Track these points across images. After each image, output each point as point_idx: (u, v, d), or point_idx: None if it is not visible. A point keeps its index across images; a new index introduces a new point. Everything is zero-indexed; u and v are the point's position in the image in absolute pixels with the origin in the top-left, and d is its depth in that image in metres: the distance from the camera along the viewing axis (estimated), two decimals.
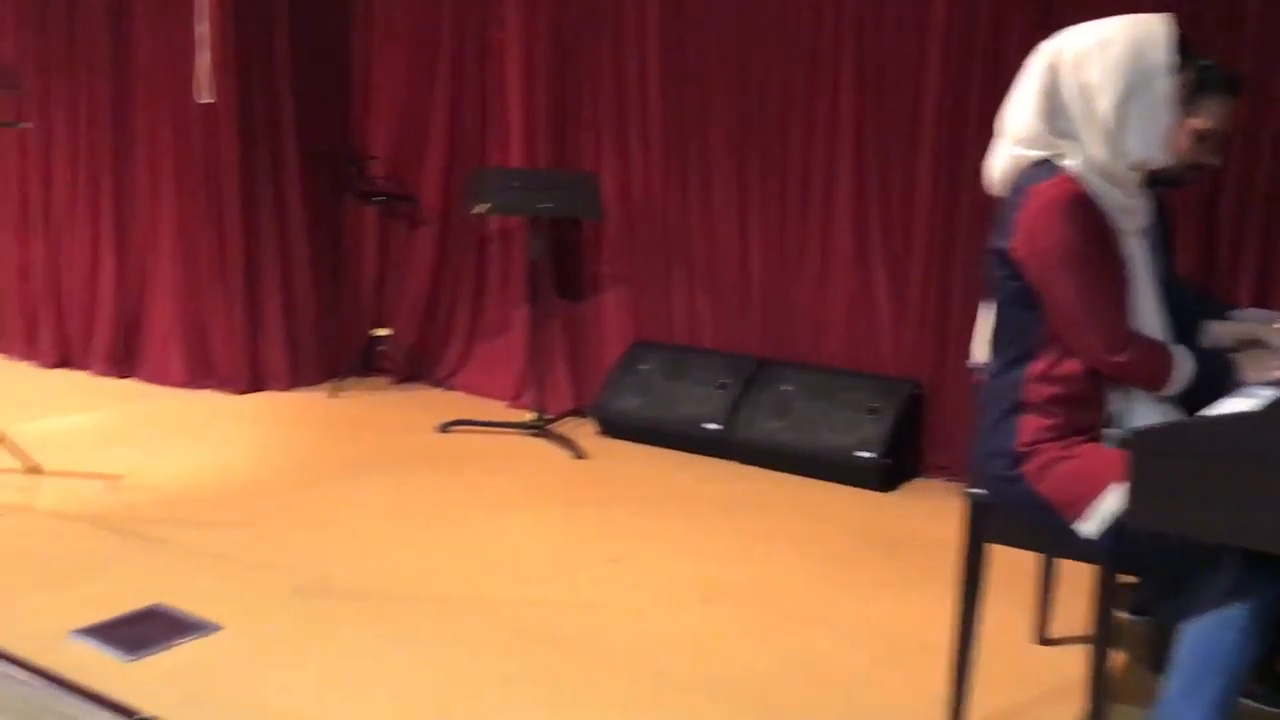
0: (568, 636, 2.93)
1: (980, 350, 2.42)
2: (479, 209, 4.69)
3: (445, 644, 2.85)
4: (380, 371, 5.62)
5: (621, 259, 5.02)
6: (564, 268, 5.14)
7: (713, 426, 4.51)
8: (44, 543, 3.45)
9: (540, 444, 4.65)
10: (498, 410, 5.12)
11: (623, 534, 3.70)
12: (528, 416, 4.82)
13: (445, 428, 4.81)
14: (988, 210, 2.41)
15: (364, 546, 3.52)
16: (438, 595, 3.16)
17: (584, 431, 4.79)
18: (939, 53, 4.12)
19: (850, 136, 4.35)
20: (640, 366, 4.82)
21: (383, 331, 5.54)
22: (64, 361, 5.67)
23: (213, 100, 5.03)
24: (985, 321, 2.37)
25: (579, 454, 4.52)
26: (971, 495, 2.33)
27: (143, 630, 2.85)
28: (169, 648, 2.77)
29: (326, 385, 5.40)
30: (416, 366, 5.58)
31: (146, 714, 2.46)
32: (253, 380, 5.31)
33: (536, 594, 3.20)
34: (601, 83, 4.93)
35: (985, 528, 2.34)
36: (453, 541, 3.60)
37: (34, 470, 4.00)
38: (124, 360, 5.51)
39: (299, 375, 5.42)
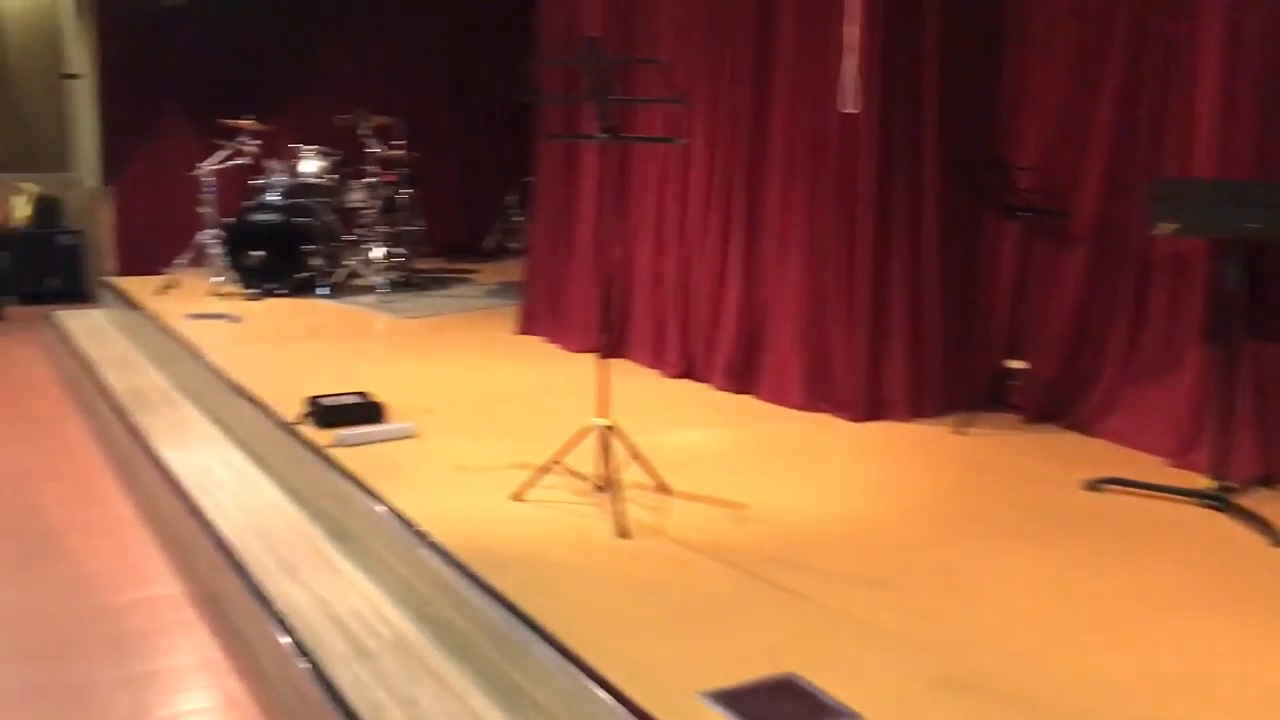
0: None
1: None
2: (1163, 229, 3.88)
3: None
4: (1010, 408, 4.99)
5: None
6: (1262, 299, 4.14)
7: None
8: (671, 574, 3.30)
9: (1220, 520, 3.75)
10: (1156, 468, 4.27)
11: None
12: (1202, 482, 3.94)
13: (1094, 485, 4.07)
14: None
15: (1018, 634, 2.94)
16: None
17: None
18: None
19: None
20: None
21: (1016, 363, 4.90)
22: (687, 373, 5.72)
23: (856, 110, 4.72)
24: None
25: (1278, 539, 3.56)
26: None
27: (777, 707, 2.52)
28: None
29: (950, 419, 4.88)
30: (1053, 405, 4.87)
31: None
32: (871, 408, 4.94)
33: None
34: None
35: None
36: (1127, 645, 2.89)
37: (662, 489, 3.93)
38: (743, 376, 5.41)
39: (920, 406, 4.97)
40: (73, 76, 10.31)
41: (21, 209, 10.11)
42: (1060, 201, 4.76)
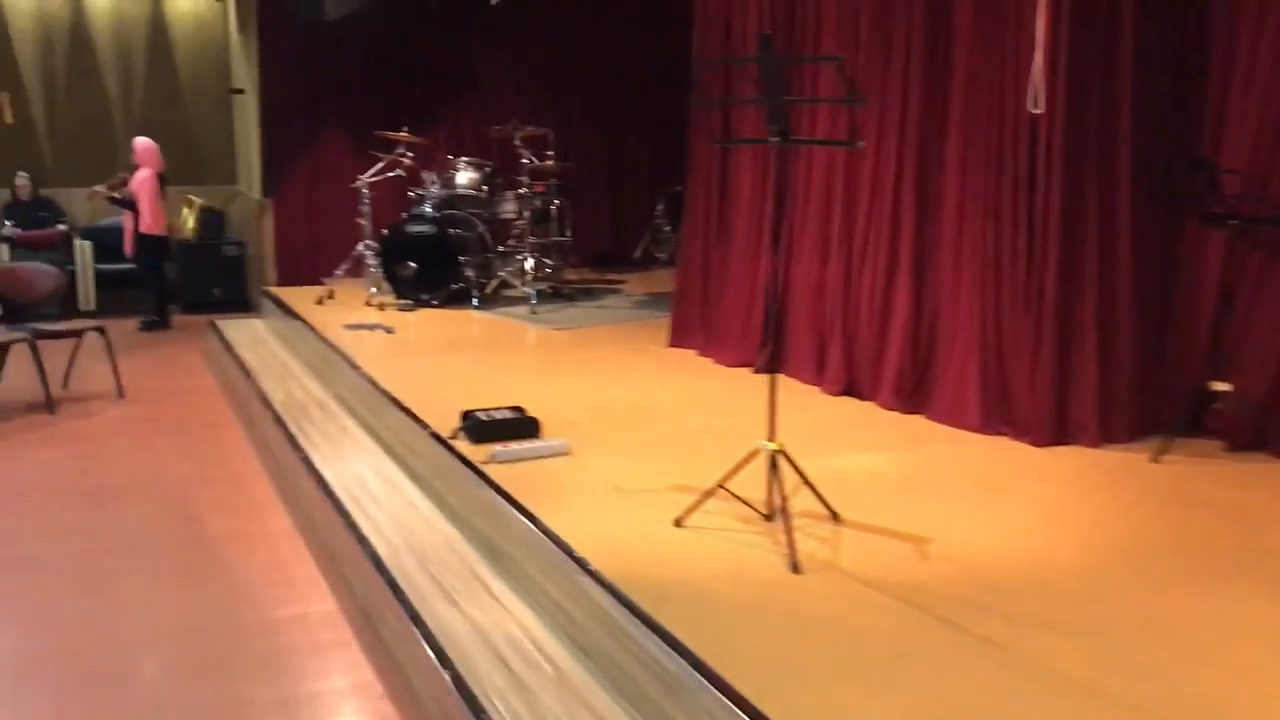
0: None
1: None
2: None
3: None
4: (1212, 433, 4.55)
5: None
6: None
7: None
8: (849, 614, 3.04)
9: None
10: None
11: None
12: None
13: None
14: None
15: (1253, 698, 2.58)
16: None
17: None
18: None
19: None
20: None
21: (1219, 385, 4.46)
22: (850, 390, 5.43)
23: (1043, 110, 4.37)
24: None
25: None
26: None
27: None
28: None
29: (1145, 445, 4.47)
30: (1262, 431, 4.42)
31: None
32: (1056, 432, 4.57)
33: None
34: None
35: None
36: None
37: (833, 519, 3.67)
38: (913, 394, 5.09)
39: (1111, 430, 4.57)
40: (238, 91, 10.63)
41: (188, 221, 10.46)
42: (1274, 208, 4.31)
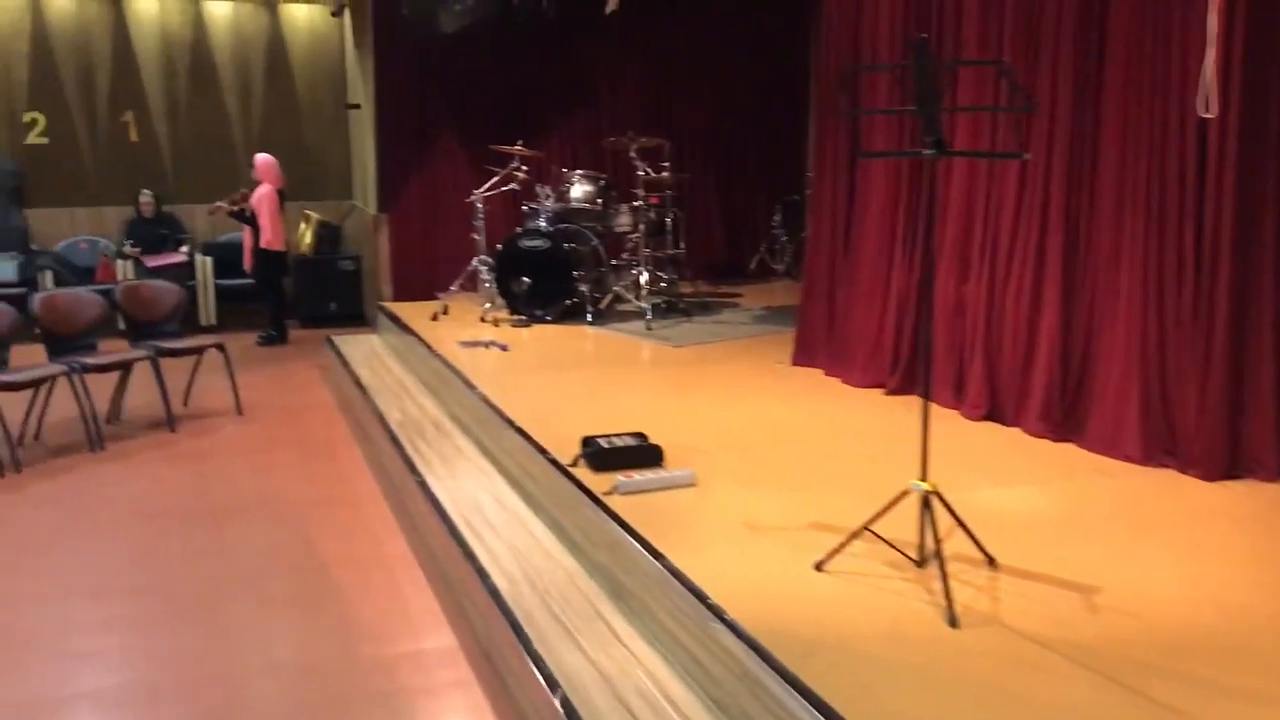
0: None
1: None
2: None
3: None
4: None
5: None
6: None
7: None
8: (1015, 677, 2.73)
9: None
10: None
11: None
12: None
13: None
14: None
15: None
16: None
17: None
18: None
19: None
20: None
21: None
22: (992, 415, 5.08)
23: (1214, 114, 3.99)
24: None
25: None
26: None
27: None
28: None
29: None
30: None
31: None
32: (1229, 465, 4.16)
33: None
34: None
35: None
36: None
37: (989, 564, 3.36)
38: (1063, 422, 4.72)
39: None
40: (354, 107, 10.68)
41: (305, 235, 10.54)
42: None
